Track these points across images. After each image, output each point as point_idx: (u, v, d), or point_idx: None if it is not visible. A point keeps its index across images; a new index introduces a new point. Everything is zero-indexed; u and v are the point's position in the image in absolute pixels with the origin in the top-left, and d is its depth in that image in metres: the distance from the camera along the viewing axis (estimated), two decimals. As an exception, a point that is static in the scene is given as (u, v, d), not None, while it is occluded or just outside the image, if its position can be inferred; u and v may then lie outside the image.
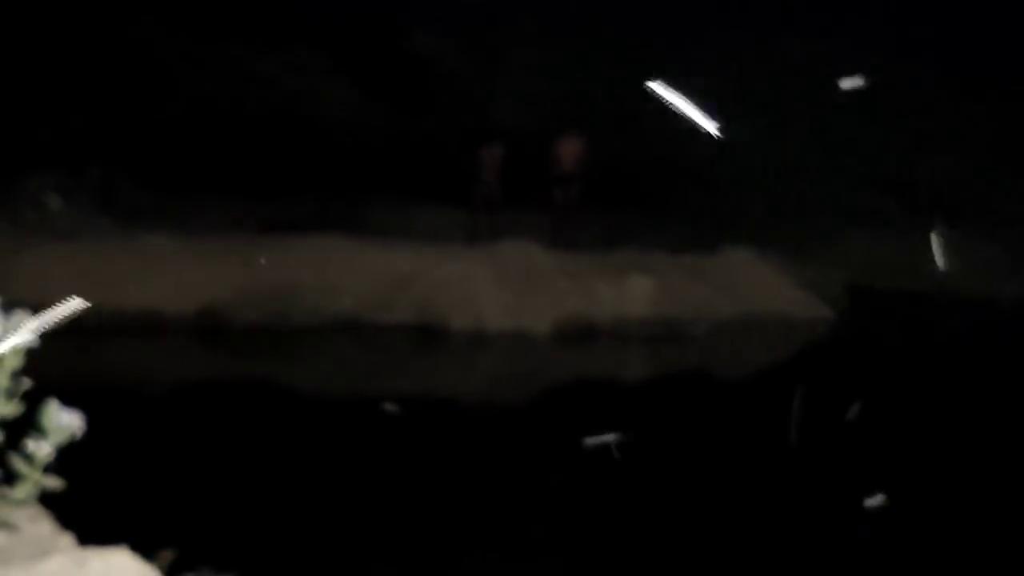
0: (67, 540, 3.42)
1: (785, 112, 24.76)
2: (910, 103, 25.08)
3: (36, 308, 3.18)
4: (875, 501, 7.06)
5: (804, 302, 16.36)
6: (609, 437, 7.82)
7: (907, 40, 25.73)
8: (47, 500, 3.25)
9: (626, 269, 15.23)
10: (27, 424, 3.00)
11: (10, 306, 3.01)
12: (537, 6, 26.07)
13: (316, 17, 24.56)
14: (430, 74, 25.19)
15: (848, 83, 6.42)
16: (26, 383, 3.02)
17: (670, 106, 3.59)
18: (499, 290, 14.27)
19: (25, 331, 3.01)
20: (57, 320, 2.93)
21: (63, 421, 2.98)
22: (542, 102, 24.03)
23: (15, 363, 3.00)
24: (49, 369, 3.19)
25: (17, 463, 3.02)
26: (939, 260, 16.81)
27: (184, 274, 13.63)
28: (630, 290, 14.87)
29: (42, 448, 2.99)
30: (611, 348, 14.04)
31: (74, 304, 2.90)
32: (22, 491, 3.03)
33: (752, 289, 16.07)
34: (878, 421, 10.56)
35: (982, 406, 11.56)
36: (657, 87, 3.63)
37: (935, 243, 18.10)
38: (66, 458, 2.99)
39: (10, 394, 3.00)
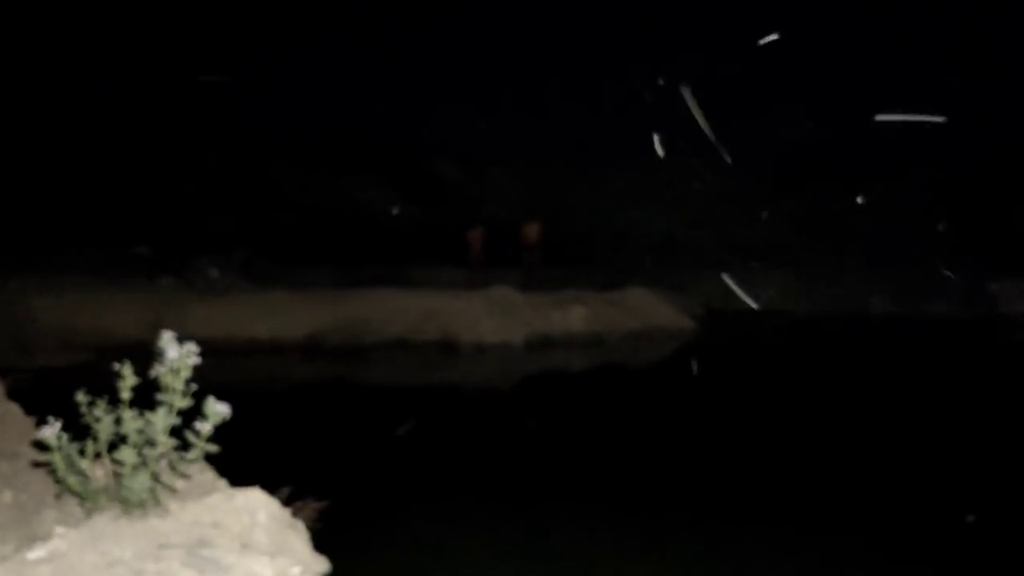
0: (222, 484, 3.42)
1: (666, 202, 24.86)
2: (745, 195, 25.15)
3: (201, 341, 3.21)
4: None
5: (678, 320, 16.33)
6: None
7: (744, 147, 24.98)
8: (210, 459, 3.26)
9: (569, 302, 15.18)
10: (195, 412, 3.01)
11: (183, 339, 3.04)
12: (512, 138, 26.10)
13: (373, 149, 24.59)
14: (444, 184, 25.24)
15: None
16: (193, 386, 3.04)
17: None
18: (491, 318, 14.19)
19: (192, 354, 3.02)
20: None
21: (218, 409, 2.99)
22: (515, 201, 24.07)
23: (187, 374, 3.01)
24: (209, 377, 3.20)
25: (190, 436, 3.02)
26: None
27: (295, 315, 13.56)
28: (572, 315, 14.82)
29: (205, 427, 3.00)
30: (561, 352, 13.99)
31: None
32: (193, 454, 3.03)
33: (647, 312, 16.04)
34: (720, 396, 10.59)
35: (784, 385, 11.59)
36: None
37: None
38: (220, 433, 3.00)
39: (184, 393, 3.00)
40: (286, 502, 4.54)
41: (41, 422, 3.01)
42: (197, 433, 3.16)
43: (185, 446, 3.13)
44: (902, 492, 6.39)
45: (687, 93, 20.85)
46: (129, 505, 2.90)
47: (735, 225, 24.30)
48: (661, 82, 23.32)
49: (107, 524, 2.81)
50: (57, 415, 2.99)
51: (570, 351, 14.08)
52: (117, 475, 2.99)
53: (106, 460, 2.98)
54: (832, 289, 20.85)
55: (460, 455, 7.22)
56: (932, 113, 22.86)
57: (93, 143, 20.20)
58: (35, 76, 20.14)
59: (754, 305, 20.09)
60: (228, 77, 21.59)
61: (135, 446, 2.99)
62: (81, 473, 2.97)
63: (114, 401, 2.97)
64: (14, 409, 4.52)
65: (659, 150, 23.65)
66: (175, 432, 3.07)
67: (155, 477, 2.98)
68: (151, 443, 2.99)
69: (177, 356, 3.07)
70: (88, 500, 2.98)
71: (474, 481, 6.53)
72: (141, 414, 3.01)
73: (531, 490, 6.35)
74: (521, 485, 6.47)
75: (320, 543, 3.26)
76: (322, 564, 3.04)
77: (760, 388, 10.73)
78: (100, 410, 2.98)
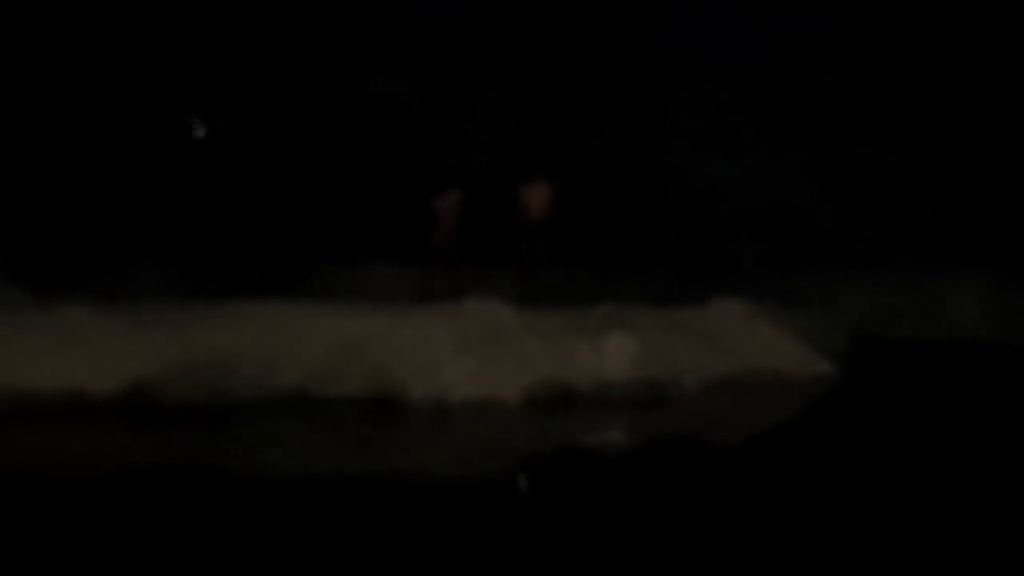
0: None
1: (776, 149, 24.91)
2: (910, 134, 25.28)
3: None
4: None
5: (803, 357, 16.38)
6: None
7: (904, 71, 26.03)
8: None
9: (604, 327, 15.27)
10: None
11: None
12: (501, 42, 26.29)
13: (258, 60, 24.63)
14: (384, 118, 25.25)
15: None
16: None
17: None
18: (462, 354, 14.28)
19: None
20: None
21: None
22: (507, 146, 24.11)
23: None
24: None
25: None
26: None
27: (109, 348, 13.59)
28: (609, 350, 14.86)
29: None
30: (589, 416, 13.94)
31: None
32: None
33: (744, 344, 16.10)
34: (890, 490, 10.51)
35: (1007, 472, 11.51)
36: None
37: None
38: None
39: None
40: None
41: None
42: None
43: None
44: None
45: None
46: None
47: (903, 189, 24.35)
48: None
49: None
50: None
51: (606, 416, 14.05)
52: None
53: None
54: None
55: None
56: None
57: None
58: None
59: (942, 330, 20.10)
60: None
61: None
62: None
63: None
64: None
65: None
66: None
67: None
68: None
69: None
70: None
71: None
72: None
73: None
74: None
75: None
76: None
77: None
78: None
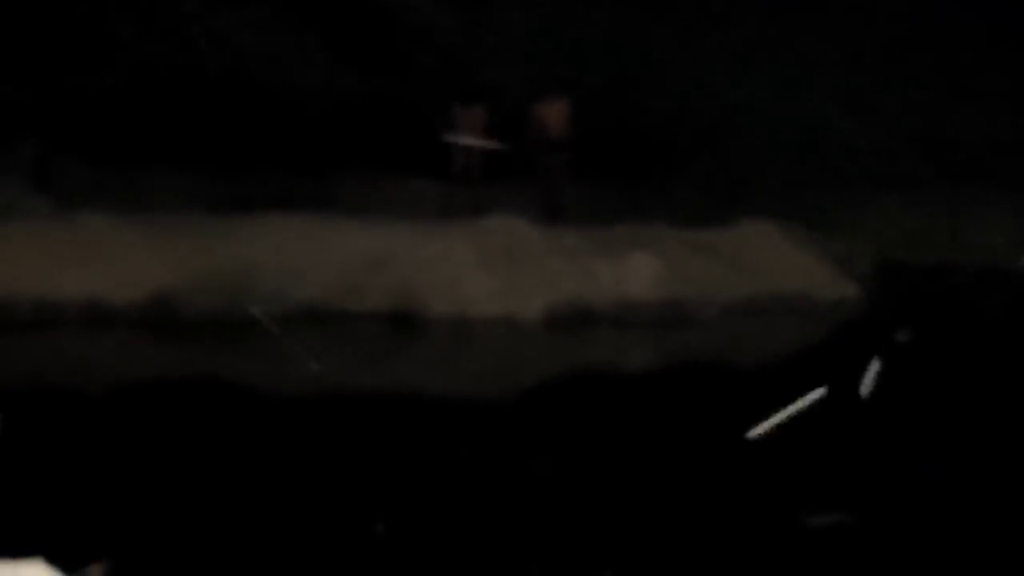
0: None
1: (805, 67, 24.67)
2: (944, 53, 24.98)
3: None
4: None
5: (829, 280, 16.32)
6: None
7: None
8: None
9: (626, 246, 15.20)
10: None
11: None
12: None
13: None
14: (404, 30, 25.03)
15: None
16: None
17: None
18: (484, 272, 14.28)
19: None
20: None
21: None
22: (531, 60, 23.91)
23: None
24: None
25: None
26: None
27: (130, 259, 13.65)
28: (631, 270, 14.84)
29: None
30: (611, 335, 14.02)
31: None
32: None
33: (770, 266, 16.03)
34: (913, 414, 10.58)
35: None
36: None
37: None
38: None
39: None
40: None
41: None
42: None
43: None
44: None
45: None
46: None
47: (935, 110, 24.13)
48: None
49: None
50: None
51: (628, 335, 14.10)
52: None
53: None
54: None
55: (412, 541, 7.19)
56: None
57: None
58: None
59: (971, 254, 20.00)
60: None
61: None
62: None
63: None
64: None
65: None
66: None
67: None
68: None
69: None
70: None
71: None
72: None
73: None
74: None
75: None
76: None
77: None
78: None
